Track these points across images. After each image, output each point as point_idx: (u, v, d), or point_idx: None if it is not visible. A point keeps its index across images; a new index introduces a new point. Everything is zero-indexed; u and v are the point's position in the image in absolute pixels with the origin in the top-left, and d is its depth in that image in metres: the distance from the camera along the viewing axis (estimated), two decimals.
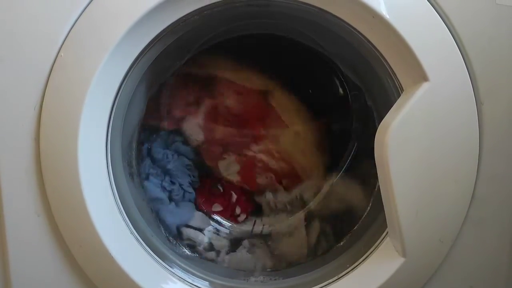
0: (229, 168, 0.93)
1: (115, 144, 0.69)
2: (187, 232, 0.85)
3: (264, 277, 0.77)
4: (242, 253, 0.87)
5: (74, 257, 0.65)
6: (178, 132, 0.92)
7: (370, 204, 0.81)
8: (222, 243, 0.88)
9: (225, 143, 0.94)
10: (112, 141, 0.66)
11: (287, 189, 0.93)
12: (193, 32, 0.69)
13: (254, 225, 0.92)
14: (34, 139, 0.61)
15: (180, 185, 0.88)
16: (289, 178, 0.93)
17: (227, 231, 0.91)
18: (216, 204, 0.93)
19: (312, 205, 0.91)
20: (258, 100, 0.93)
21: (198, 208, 0.91)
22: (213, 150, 0.93)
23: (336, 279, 0.68)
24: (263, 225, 0.92)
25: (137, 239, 0.67)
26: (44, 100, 0.60)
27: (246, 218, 0.94)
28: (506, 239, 0.67)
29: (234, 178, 0.92)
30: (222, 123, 0.93)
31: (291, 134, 0.94)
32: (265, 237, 0.91)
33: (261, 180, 0.92)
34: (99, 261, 0.64)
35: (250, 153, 0.93)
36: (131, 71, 0.64)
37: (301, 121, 0.94)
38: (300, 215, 0.92)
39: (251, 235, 0.91)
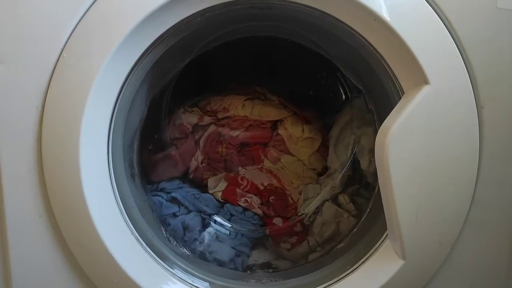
0: (217, 185, 0.95)
1: (117, 145, 0.69)
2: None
3: (264, 278, 0.77)
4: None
5: (75, 258, 0.65)
6: None
7: (370, 206, 0.81)
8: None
9: (220, 163, 0.96)
10: (114, 141, 0.66)
11: (270, 211, 0.95)
12: (196, 34, 0.69)
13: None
14: (36, 139, 0.61)
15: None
16: (276, 200, 0.95)
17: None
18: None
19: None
20: (266, 129, 0.95)
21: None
22: (207, 168, 0.95)
23: (336, 281, 0.68)
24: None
25: (137, 239, 0.68)
26: (46, 101, 0.60)
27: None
28: (505, 242, 0.67)
29: (218, 195, 0.94)
30: (224, 146, 0.95)
31: (292, 161, 0.95)
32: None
33: (241, 202, 0.94)
34: (99, 262, 0.64)
35: (240, 174, 0.96)
36: (133, 72, 0.65)
37: (306, 149, 0.95)
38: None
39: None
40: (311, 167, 0.96)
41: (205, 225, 0.89)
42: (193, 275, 0.72)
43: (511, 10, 0.60)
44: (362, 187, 0.88)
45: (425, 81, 0.59)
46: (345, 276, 0.68)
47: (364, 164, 0.85)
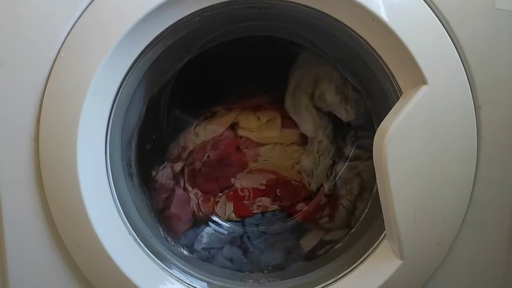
0: (225, 210, 0.95)
1: (115, 145, 0.69)
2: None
3: (262, 279, 0.77)
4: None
5: (72, 258, 0.65)
6: None
7: (368, 206, 0.81)
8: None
9: (213, 183, 0.96)
10: (112, 141, 0.66)
11: (284, 203, 0.94)
12: (194, 33, 0.69)
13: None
14: (33, 139, 0.61)
15: None
16: (283, 191, 0.95)
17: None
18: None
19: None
20: (227, 138, 0.95)
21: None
22: (205, 199, 0.95)
23: (334, 281, 0.68)
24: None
25: (135, 239, 0.67)
26: (43, 100, 0.60)
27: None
28: (503, 242, 0.67)
29: (233, 217, 0.95)
30: (204, 174, 0.95)
31: (269, 148, 0.95)
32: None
33: (254, 209, 0.94)
34: (97, 262, 0.64)
35: (237, 187, 0.96)
36: (131, 71, 0.64)
37: (271, 132, 0.94)
38: None
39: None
40: (289, 143, 0.95)
41: (244, 249, 0.89)
42: (191, 275, 0.72)
43: (508, 11, 0.61)
44: (357, 129, 0.87)
45: (423, 81, 0.59)
46: (343, 276, 0.68)
47: (343, 116, 0.84)
